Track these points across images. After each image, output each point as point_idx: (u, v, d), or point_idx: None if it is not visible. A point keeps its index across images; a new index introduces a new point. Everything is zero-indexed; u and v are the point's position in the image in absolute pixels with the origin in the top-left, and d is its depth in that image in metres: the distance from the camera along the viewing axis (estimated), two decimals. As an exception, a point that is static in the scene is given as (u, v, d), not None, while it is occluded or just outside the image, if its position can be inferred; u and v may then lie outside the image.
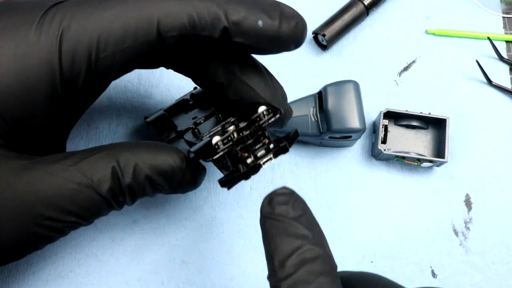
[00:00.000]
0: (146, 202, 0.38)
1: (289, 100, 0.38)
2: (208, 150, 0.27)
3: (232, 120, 0.29)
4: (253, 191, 0.39)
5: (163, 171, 0.28)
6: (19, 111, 0.26)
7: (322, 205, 0.39)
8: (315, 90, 0.38)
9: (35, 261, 0.36)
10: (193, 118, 0.34)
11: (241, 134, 0.27)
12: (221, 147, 0.26)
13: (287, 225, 0.25)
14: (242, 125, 0.27)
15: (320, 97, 0.37)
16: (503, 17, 0.44)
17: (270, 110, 0.27)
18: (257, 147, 0.28)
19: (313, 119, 0.37)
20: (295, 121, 0.37)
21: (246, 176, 0.27)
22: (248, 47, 0.27)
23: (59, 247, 0.36)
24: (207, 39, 0.26)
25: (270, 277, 0.25)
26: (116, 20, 0.25)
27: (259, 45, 0.27)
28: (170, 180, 0.29)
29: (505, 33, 0.44)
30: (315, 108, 0.37)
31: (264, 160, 0.28)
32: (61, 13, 0.26)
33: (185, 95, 0.37)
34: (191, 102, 0.37)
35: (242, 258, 0.37)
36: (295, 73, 0.42)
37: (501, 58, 0.43)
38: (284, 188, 0.26)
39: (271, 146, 0.28)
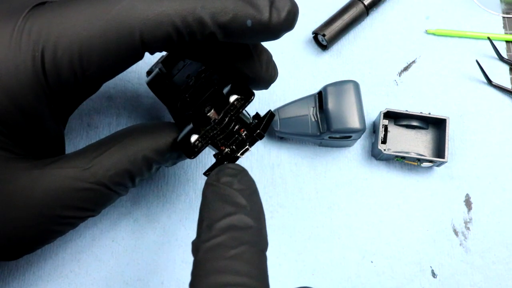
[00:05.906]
0: (147, 201, 0.38)
1: (289, 100, 0.38)
2: (189, 147, 0.29)
3: (209, 107, 0.29)
4: (253, 191, 0.39)
5: (165, 151, 0.30)
6: (16, 126, 0.26)
7: (322, 205, 0.39)
8: (315, 90, 0.38)
9: (35, 261, 0.36)
10: (187, 77, 0.33)
11: (216, 127, 0.28)
12: (199, 145, 0.28)
13: (227, 193, 0.25)
14: (217, 116, 0.28)
15: (320, 97, 0.37)
16: (503, 17, 0.44)
17: (241, 98, 0.28)
18: (233, 138, 0.30)
19: (313, 119, 0.37)
20: (295, 121, 0.37)
21: None
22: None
23: (59, 247, 0.37)
24: (192, 42, 0.26)
25: (194, 240, 0.24)
26: (96, 37, 0.25)
27: (246, 41, 0.27)
28: (171, 157, 0.30)
29: (505, 33, 0.44)
30: (315, 108, 0.37)
31: (241, 151, 0.30)
32: (37, 26, 0.25)
33: None
34: None
35: (242, 258, 0.37)
36: (295, 73, 0.42)
37: (501, 58, 0.43)
38: (237, 164, 0.26)
39: (246, 136, 0.30)
